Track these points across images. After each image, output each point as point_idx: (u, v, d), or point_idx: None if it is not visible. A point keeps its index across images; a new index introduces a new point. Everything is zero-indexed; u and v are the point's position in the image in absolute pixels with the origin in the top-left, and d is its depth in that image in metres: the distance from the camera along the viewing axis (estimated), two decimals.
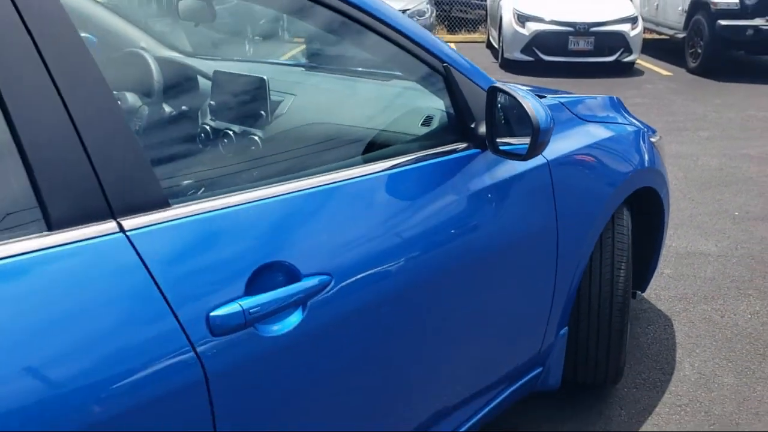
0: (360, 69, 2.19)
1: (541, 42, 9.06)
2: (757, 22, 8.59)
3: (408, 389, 1.55)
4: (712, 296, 3.08)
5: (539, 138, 1.49)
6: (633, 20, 9.25)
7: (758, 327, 2.83)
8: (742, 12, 8.68)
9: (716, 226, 3.89)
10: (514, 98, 1.53)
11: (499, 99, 1.59)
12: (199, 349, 1.03)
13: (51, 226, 0.96)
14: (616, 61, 9.16)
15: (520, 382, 1.97)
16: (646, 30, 10.02)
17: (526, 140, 1.56)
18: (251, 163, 1.69)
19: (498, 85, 1.59)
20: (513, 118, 1.58)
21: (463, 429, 1.75)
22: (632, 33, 9.16)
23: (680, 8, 9.86)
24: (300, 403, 1.24)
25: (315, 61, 2.51)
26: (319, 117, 2.04)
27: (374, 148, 1.72)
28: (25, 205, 0.96)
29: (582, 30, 9.03)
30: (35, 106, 0.95)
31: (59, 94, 0.97)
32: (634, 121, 2.49)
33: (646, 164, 2.33)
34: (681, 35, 9.75)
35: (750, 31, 8.60)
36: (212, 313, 1.06)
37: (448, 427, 1.70)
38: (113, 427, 0.95)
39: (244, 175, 1.55)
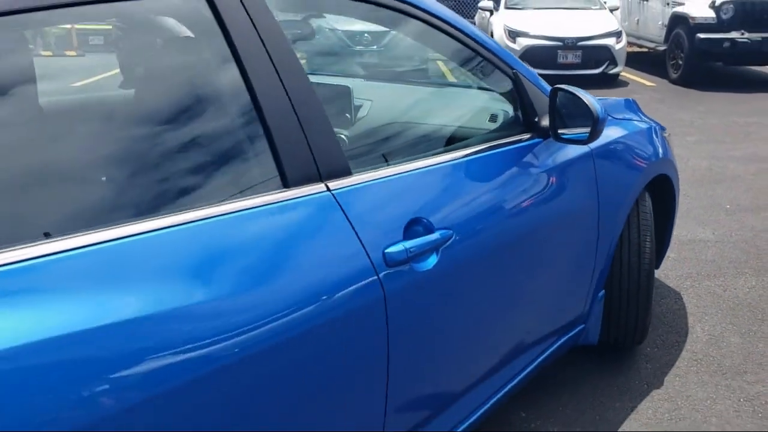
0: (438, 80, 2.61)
1: (531, 56, 9.54)
2: (733, 35, 9.16)
3: (506, 324, 1.95)
4: (713, 274, 3.51)
5: (598, 126, 1.90)
6: (617, 34, 9.78)
7: (756, 298, 3.26)
8: (718, 26, 9.25)
9: (711, 218, 4.34)
10: (576, 95, 1.94)
11: (559, 97, 2.00)
12: (380, 274, 1.42)
13: (287, 185, 1.35)
14: (602, 73, 9.67)
15: (568, 335, 2.37)
16: (628, 43, 10.56)
17: (582, 130, 1.97)
18: (388, 146, 2.07)
19: (560, 86, 1.99)
20: (572, 112, 1.98)
21: (533, 365, 2.15)
22: (617, 46, 9.69)
23: (660, 23, 10.44)
24: (440, 322, 1.63)
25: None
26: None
27: (456, 140, 2.12)
28: (271, 173, 1.35)
29: (570, 44, 9.54)
30: (278, 108, 1.35)
31: (289, 100, 1.37)
32: (648, 119, 2.92)
33: (661, 155, 2.75)
34: (662, 48, 10.31)
35: (727, 44, 9.17)
36: (386, 250, 1.45)
37: (525, 360, 2.10)
38: (337, 327, 1.33)
39: (385, 156, 1.93)
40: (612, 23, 10.01)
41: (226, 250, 1.24)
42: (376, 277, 1.41)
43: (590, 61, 9.60)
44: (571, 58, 9.60)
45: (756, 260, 3.68)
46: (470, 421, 1.90)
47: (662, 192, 2.87)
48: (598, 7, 10.47)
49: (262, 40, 1.36)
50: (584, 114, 1.93)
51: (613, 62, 9.69)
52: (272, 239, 1.30)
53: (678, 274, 3.52)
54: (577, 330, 2.43)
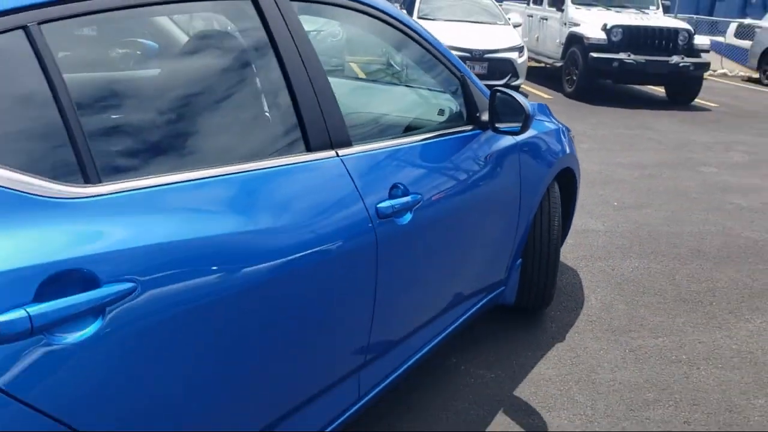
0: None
1: None
2: (621, 56, 10.16)
3: (454, 275, 2.44)
4: (604, 257, 4.15)
5: (529, 121, 2.41)
6: (520, 49, 10.59)
7: (638, 275, 3.91)
8: (609, 47, 10.24)
9: (602, 212, 5.02)
10: (511, 96, 2.44)
11: (498, 97, 2.49)
12: (375, 223, 1.86)
13: (310, 150, 1.77)
14: (505, 84, 10.44)
15: (493, 294, 2.89)
16: (529, 58, 11.43)
17: (514, 124, 2.48)
18: (364, 129, 2.47)
19: (498, 88, 2.50)
20: (506, 110, 2.48)
21: (467, 314, 2.64)
22: (519, 60, 10.49)
23: (558, 41, 11.38)
24: (410, 266, 2.10)
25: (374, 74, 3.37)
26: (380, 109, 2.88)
27: (414, 128, 2.58)
28: (299, 140, 1.77)
29: (477, 56, 10.25)
30: (305, 91, 1.77)
31: (311, 84, 1.79)
32: (557, 122, 3.49)
33: (568, 152, 3.33)
34: (558, 64, 11.24)
35: (615, 64, 10.16)
36: (378, 205, 1.89)
37: (462, 309, 2.59)
38: (346, 257, 1.77)
39: (365, 135, 2.33)
40: (515, 39, 10.81)
41: (271, 194, 1.65)
42: (371, 225, 1.85)
43: (495, 73, 10.34)
44: (478, 69, 10.30)
45: (638, 247, 4.36)
46: (421, 353, 2.37)
47: (567, 182, 3.45)
48: (503, 22, 11.25)
49: (293, 37, 1.77)
50: (516, 111, 2.44)
51: (515, 75, 10.47)
52: (302, 188, 1.72)
53: (575, 256, 4.14)
54: (499, 291, 2.95)
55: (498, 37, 10.64)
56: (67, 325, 1.16)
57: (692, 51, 10.42)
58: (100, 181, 1.29)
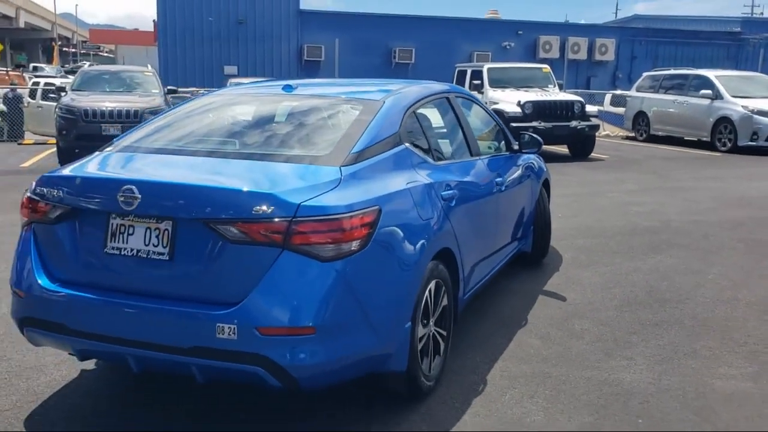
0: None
1: None
2: (534, 123, 13.22)
3: (510, 226, 4.96)
4: (565, 238, 6.76)
5: (540, 147, 5.02)
6: None
7: (588, 245, 6.54)
8: (524, 117, 13.31)
9: (552, 219, 7.69)
10: (530, 134, 5.05)
11: (523, 135, 5.10)
12: (496, 189, 4.41)
13: (472, 155, 4.32)
14: None
15: (522, 243, 5.41)
16: None
17: (532, 148, 5.09)
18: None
19: (523, 132, 5.10)
20: (527, 141, 5.08)
21: (515, 249, 5.17)
22: None
23: None
24: (504, 212, 4.70)
25: None
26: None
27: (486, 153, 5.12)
28: (467, 149, 4.32)
29: None
30: (468, 132, 4.34)
31: (466, 130, 4.36)
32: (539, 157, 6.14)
33: (545, 170, 5.96)
34: None
35: (531, 130, 13.20)
36: (495, 180, 4.43)
37: (513, 247, 5.10)
38: (493, 199, 4.32)
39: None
40: None
41: (479, 169, 4.17)
42: (496, 190, 4.36)
43: None
44: None
45: (583, 234, 7.01)
46: (505, 260, 4.86)
47: (545, 187, 6.07)
48: None
49: (460, 113, 4.32)
50: (535, 142, 5.04)
51: None
52: (482, 167, 4.24)
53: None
54: (524, 242, 5.48)
55: None
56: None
57: (585, 116, 13.67)
58: (439, 159, 3.77)
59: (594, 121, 14.11)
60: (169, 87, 14.05)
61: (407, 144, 3.46)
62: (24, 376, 3.59)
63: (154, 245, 2.76)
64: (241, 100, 4.05)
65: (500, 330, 4.31)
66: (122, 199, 2.75)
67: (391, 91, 3.74)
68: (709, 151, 15.19)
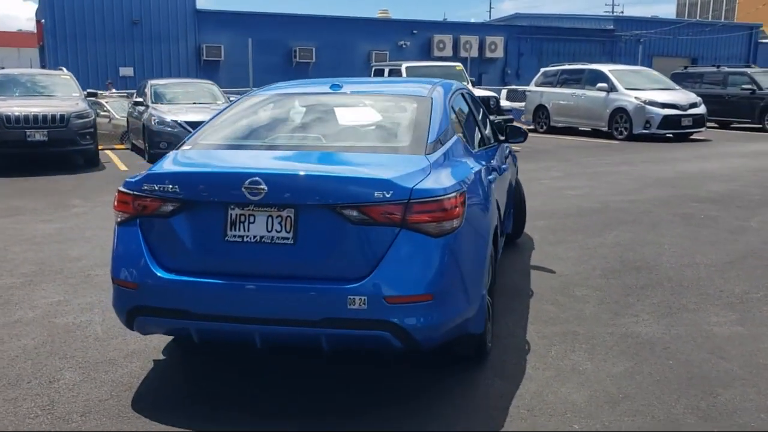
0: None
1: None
2: None
3: (507, 211, 5.50)
4: (537, 218, 7.40)
5: (526, 136, 5.57)
6: None
7: (548, 224, 7.20)
8: None
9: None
10: (516, 125, 5.60)
11: (508, 127, 5.64)
12: (497, 170, 4.91)
13: (499, 141, 4.80)
14: None
15: (507, 224, 5.97)
16: None
17: (518, 139, 5.64)
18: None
19: (510, 124, 5.65)
20: (513, 132, 5.63)
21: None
22: None
23: None
24: (500, 188, 5.18)
25: None
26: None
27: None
28: (482, 137, 4.79)
29: None
30: (483, 121, 4.81)
31: (481, 113, 4.84)
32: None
33: (516, 160, 6.56)
34: None
35: None
36: (494, 164, 4.94)
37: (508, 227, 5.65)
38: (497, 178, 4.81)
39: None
40: None
41: (489, 155, 4.63)
42: (496, 171, 4.86)
43: None
44: None
45: (537, 216, 7.67)
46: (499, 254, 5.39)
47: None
48: None
49: (476, 105, 4.78)
50: (520, 132, 5.59)
51: None
52: (501, 152, 4.72)
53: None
54: (508, 223, 6.03)
55: None
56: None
57: (501, 111, 14.56)
58: (475, 149, 4.22)
59: (506, 115, 15.05)
60: (89, 90, 13.68)
61: (458, 134, 3.89)
62: (101, 370, 3.72)
63: (277, 231, 3.04)
64: (299, 99, 4.32)
65: (515, 300, 4.82)
66: (248, 190, 3.01)
67: (429, 88, 4.16)
68: (608, 139, 16.54)
